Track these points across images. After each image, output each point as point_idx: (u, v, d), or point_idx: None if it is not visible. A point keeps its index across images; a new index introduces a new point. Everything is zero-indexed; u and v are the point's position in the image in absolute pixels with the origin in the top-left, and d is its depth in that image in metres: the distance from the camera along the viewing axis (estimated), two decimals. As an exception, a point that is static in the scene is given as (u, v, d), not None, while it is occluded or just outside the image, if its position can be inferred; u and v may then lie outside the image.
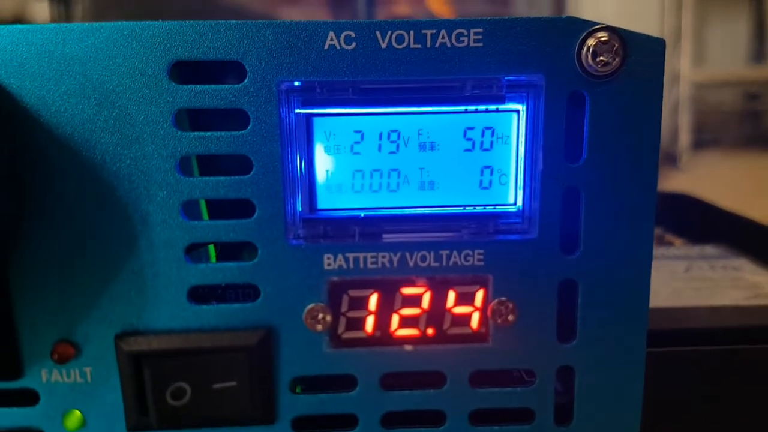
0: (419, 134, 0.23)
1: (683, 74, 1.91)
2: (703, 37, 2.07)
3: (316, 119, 0.23)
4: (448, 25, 0.22)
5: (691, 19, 1.92)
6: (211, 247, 0.25)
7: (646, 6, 1.91)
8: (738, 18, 2.10)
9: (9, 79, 0.21)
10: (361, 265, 0.24)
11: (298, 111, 0.23)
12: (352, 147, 0.23)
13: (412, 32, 0.22)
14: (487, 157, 0.24)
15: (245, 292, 0.24)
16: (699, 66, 1.98)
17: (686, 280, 0.36)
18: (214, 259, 0.25)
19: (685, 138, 1.95)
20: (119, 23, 0.21)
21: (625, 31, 0.22)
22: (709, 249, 0.43)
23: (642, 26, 0.23)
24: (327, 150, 0.23)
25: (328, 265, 0.23)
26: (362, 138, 0.23)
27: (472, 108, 0.23)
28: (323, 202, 0.24)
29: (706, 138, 2.01)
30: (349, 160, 0.23)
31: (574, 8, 1.82)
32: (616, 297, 0.24)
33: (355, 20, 0.22)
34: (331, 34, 0.22)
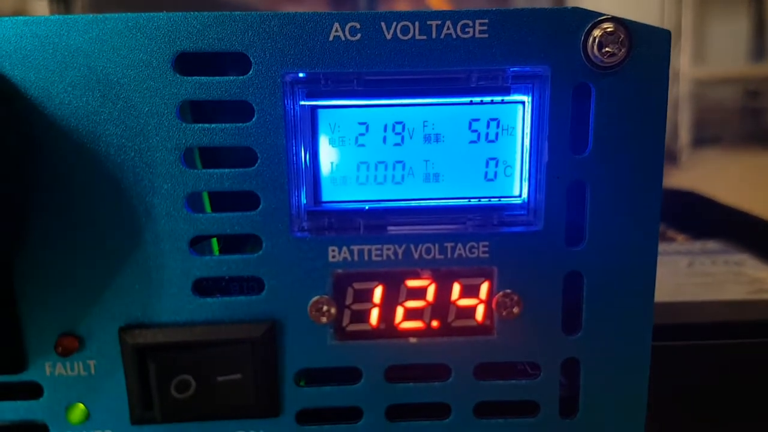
0: (424, 126, 0.23)
1: (683, 71, 1.91)
2: (704, 35, 2.07)
3: (320, 111, 0.23)
4: (454, 16, 0.22)
5: (691, 17, 1.92)
6: (214, 241, 0.25)
7: (646, 3, 1.90)
8: (738, 15, 2.10)
9: (13, 71, 0.21)
10: (366, 257, 0.23)
11: (302, 103, 0.23)
12: (356, 139, 0.23)
13: (417, 23, 0.22)
14: (492, 149, 0.24)
15: (249, 285, 0.24)
16: (699, 63, 1.98)
17: (689, 276, 0.36)
18: (217, 253, 0.25)
19: (685, 135, 1.95)
20: (123, 15, 0.21)
21: (630, 21, 0.22)
22: (711, 244, 0.43)
23: (642, 24, 0.23)
24: (332, 142, 0.23)
25: (333, 257, 0.23)
26: (367, 130, 0.23)
27: (477, 99, 0.23)
28: (328, 194, 0.24)
29: (706, 135, 2.00)
30: (353, 152, 0.23)
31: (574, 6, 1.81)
32: (622, 289, 0.24)
33: (360, 11, 0.22)
34: (336, 25, 0.22)
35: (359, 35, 0.22)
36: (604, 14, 0.22)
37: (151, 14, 0.21)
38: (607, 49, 0.22)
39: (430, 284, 0.24)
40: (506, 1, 1.90)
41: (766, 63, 2.09)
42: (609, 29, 0.22)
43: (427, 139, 0.23)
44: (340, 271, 0.23)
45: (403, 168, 0.24)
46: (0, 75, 0.21)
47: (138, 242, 0.23)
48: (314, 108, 0.23)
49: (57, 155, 0.22)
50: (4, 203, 0.21)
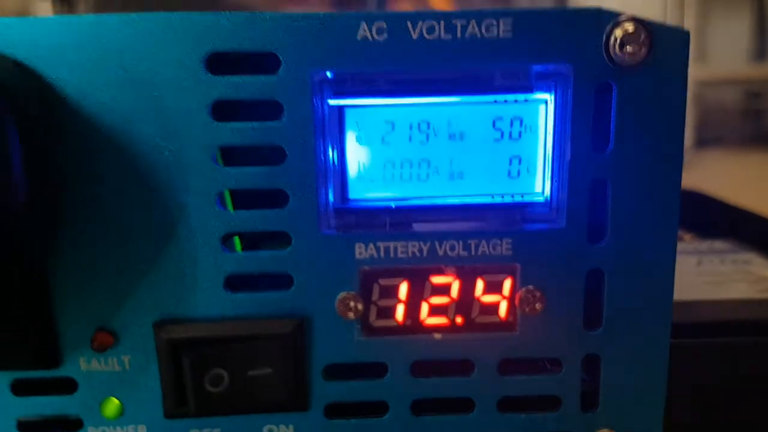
0: (449, 124, 0.24)
1: (685, 73, 1.90)
2: (705, 36, 2.07)
3: (348, 110, 0.23)
4: (478, 15, 0.22)
5: (693, 18, 1.92)
6: (237, 239, 0.25)
7: (649, 4, 1.90)
8: (740, 16, 2.10)
9: (47, 70, 0.22)
10: (392, 254, 0.24)
11: (330, 102, 0.23)
12: (383, 138, 0.24)
13: (442, 23, 0.22)
14: (515, 147, 0.24)
15: (276, 282, 0.24)
16: (701, 64, 1.98)
17: (698, 275, 0.36)
18: (239, 250, 0.25)
19: (688, 136, 1.95)
20: (156, 14, 0.22)
21: (651, 22, 0.23)
22: (719, 244, 0.43)
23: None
24: (359, 140, 0.24)
25: (360, 254, 0.24)
26: (393, 128, 0.24)
27: (501, 98, 0.24)
28: (355, 192, 0.24)
29: (708, 136, 2.00)
30: (380, 151, 0.24)
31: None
32: (642, 285, 0.24)
33: (387, 12, 0.22)
34: (364, 25, 0.22)
35: (386, 35, 0.22)
36: (624, 14, 0.22)
37: (184, 14, 0.22)
38: (628, 48, 0.22)
39: (454, 281, 0.24)
40: (508, 2, 1.90)
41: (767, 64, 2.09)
42: (630, 29, 0.22)
43: (451, 137, 0.24)
44: (366, 267, 0.24)
45: (428, 166, 0.24)
46: (35, 74, 0.22)
47: (171, 239, 0.23)
48: (342, 107, 0.23)
49: (92, 154, 0.22)
50: (41, 201, 0.22)
